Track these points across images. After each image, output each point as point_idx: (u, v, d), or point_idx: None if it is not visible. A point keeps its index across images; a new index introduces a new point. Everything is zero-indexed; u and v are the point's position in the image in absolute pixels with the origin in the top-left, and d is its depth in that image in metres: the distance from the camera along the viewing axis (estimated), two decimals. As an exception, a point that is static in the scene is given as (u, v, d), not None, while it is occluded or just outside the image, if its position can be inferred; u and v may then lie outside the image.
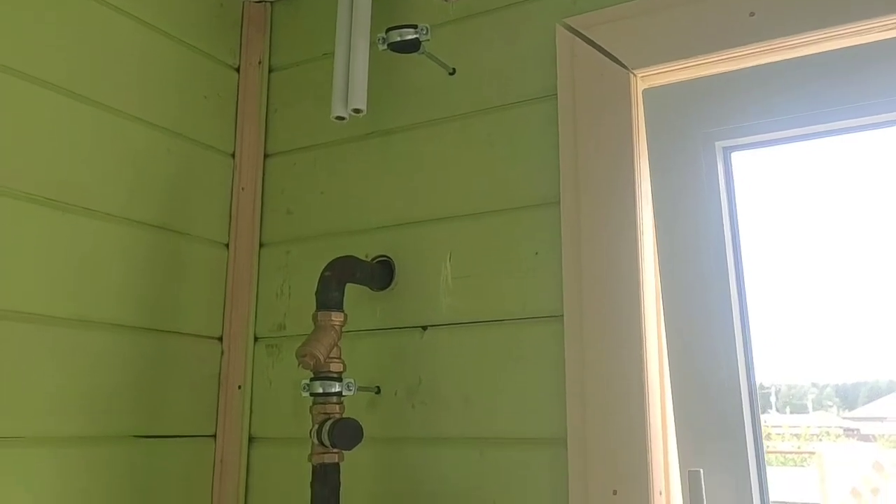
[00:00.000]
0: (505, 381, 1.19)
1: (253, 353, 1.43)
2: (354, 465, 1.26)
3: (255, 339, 1.43)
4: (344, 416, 1.15)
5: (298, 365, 1.16)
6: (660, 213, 1.14)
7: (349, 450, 1.13)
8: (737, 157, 1.14)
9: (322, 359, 1.15)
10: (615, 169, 1.16)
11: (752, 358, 1.07)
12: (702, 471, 0.99)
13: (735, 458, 1.03)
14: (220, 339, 1.42)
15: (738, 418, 1.03)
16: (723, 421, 1.04)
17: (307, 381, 1.17)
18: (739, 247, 1.12)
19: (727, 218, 1.11)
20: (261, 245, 1.47)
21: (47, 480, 1.12)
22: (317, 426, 1.15)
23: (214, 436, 1.39)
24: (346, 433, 1.11)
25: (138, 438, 1.26)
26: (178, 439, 1.33)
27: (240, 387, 1.41)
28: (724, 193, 1.12)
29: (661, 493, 1.08)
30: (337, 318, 1.19)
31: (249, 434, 1.40)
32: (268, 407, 1.40)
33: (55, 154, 1.18)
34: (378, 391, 1.29)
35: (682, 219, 1.13)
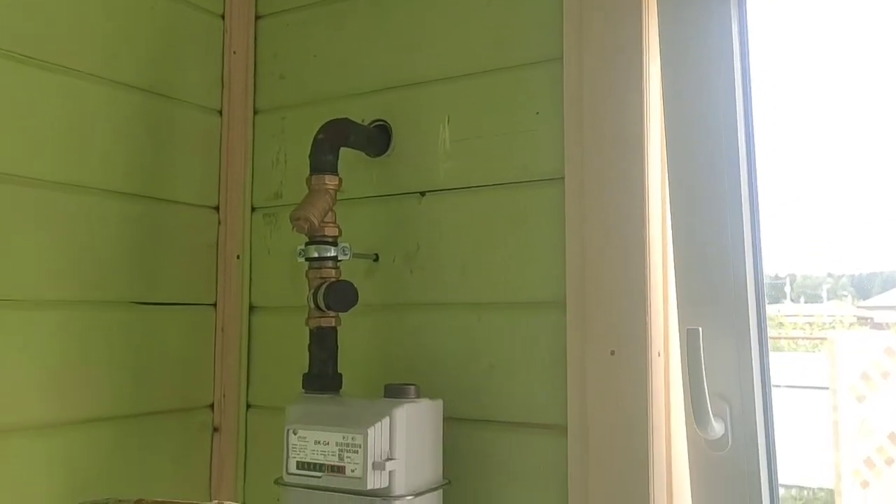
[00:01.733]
0: (504, 246, 1.17)
1: (250, 222, 1.40)
2: (353, 332, 1.26)
3: (252, 208, 1.41)
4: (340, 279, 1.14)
5: (293, 229, 1.13)
6: (667, 70, 1.08)
7: (344, 312, 1.12)
8: (752, 4, 1.06)
9: (316, 223, 1.13)
10: (621, 22, 1.09)
11: (757, 219, 1.04)
12: (700, 329, 0.97)
13: (735, 318, 1.01)
14: (217, 208, 1.40)
15: (740, 278, 1.01)
16: (724, 281, 1.02)
17: (302, 247, 1.16)
18: (751, 112, 1.06)
19: (739, 77, 1.05)
20: (255, 112, 1.42)
21: (46, 343, 1.12)
22: (313, 290, 1.14)
23: (215, 304, 1.39)
24: (340, 295, 1.10)
25: (137, 305, 1.26)
26: (177, 307, 1.33)
27: (238, 256, 1.39)
28: (738, 48, 1.06)
29: (659, 355, 1.07)
30: (331, 181, 1.16)
31: (250, 303, 1.40)
32: (267, 276, 1.39)
33: (28, 6, 1.12)
34: (376, 258, 1.27)
35: (691, 76, 1.07)
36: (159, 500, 0.64)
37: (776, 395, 1.03)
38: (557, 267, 1.11)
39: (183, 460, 1.32)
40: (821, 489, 2.60)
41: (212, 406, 1.38)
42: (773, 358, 1.03)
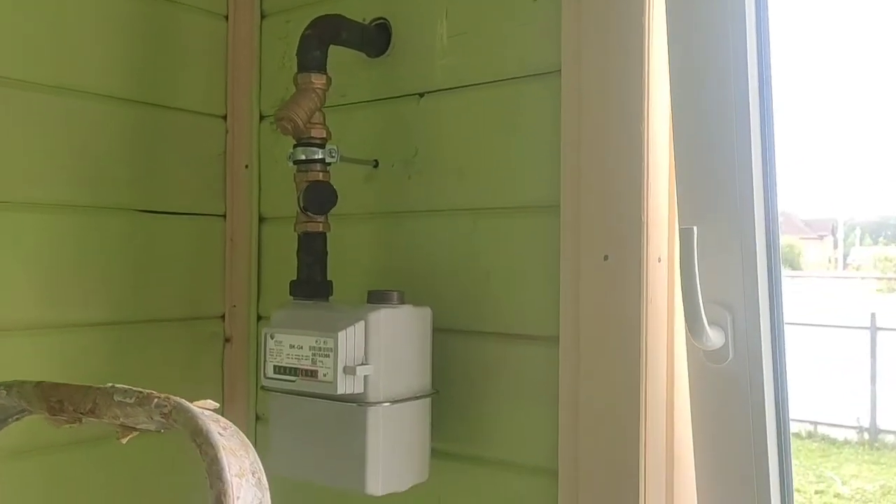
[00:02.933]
0: (501, 148, 1.09)
1: (258, 131, 1.37)
2: (352, 240, 1.22)
3: (261, 117, 1.37)
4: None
5: (276, 129, 1.09)
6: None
7: (321, 213, 1.08)
8: None
9: (301, 123, 1.08)
10: None
11: (769, 110, 0.92)
12: (696, 228, 0.87)
13: (739, 218, 0.90)
14: (224, 117, 1.37)
15: (745, 173, 0.90)
16: (728, 177, 0.91)
17: (291, 150, 1.11)
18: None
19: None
20: (262, 16, 1.38)
21: (38, 246, 1.13)
22: (300, 194, 1.10)
23: (224, 215, 1.37)
24: (315, 196, 1.06)
25: (140, 213, 1.26)
26: (185, 217, 1.32)
27: (247, 166, 1.37)
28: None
29: (660, 260, 0.97)
30: (318, 80, 1.10)
31: (259, 213, 1.37)
32: (276, 186, 1.36)
33: None
34: (376, 164, 1.22)
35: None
36: (60, 383, 0.62)
37: (889, 337, 0.93)
38: (554, 168, 1.03)
39: (193, 370, 1.33)
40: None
41: (223, 317, 1.37)
42: (889, 299, 0.92)
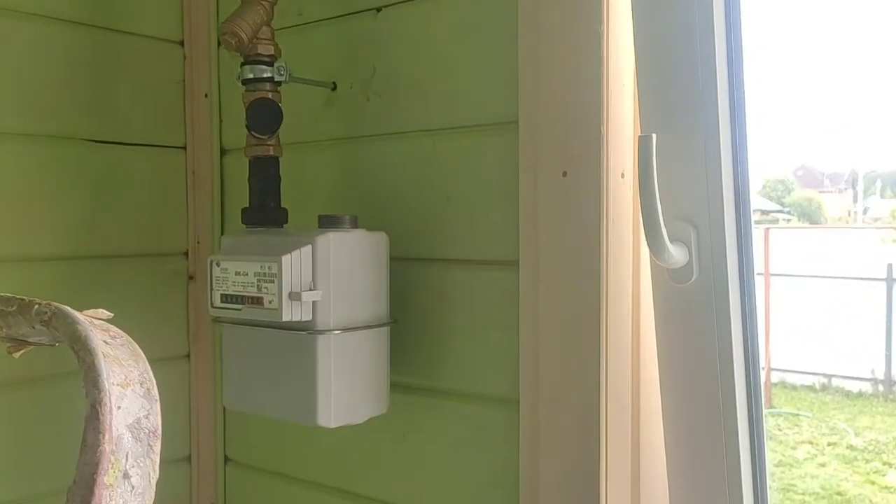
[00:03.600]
0: (459, 64, 1.03)
1: (217, 57, 1.31)
2: (311, 167, 1.17)
3: (219, 43, 1.31)
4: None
5: (220, 45, 1.03)
6: None
7: (267, 133, 1.03)
8: None
9: (246, 38, 1.02)
10: None
11: (735, 7, 0.85)
12: (654, 135, 0.81)
13: (703, 124, 0.84)
14: (181, 42, 1.31)
15: (709, 70, 0.83)
16: (690, 78, 0.84)
17: (239, 69, 1.05)
18: None
19: None
20: (216, -65, 1.31)
21: (-15, 176, 1.09)
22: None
23: (184, 147, 1.32)
24: (261, 114, 1.00)
25: (94, 143, 1.21)
26: (143, 148, 1.27)
27: (206, 95, 1.31)
28: None
29: (623, 176, 0.91)
30: (265, -7, 1.04)
31: (221, 145, 1.32)
32: (237, 116, 1.30)
33: None
34: (334, 87, 1.16)
35: None
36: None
37: None
38: (513, 83, 0.96)
39: (156, 308, 1.29)
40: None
41: (186, 254, 1.33)
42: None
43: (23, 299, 0.54)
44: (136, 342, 1.18)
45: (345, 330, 0.95)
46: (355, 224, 0.99)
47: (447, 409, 1.05)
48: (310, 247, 0.93)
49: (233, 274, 0.96)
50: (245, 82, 1.05)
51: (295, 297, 0.91)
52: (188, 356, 1.33)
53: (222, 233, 1.32)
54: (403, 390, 1.06)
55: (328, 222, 0.97)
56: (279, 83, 1.05)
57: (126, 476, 0.48)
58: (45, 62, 1.14)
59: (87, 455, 0.47)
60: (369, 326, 0.98)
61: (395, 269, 1.04)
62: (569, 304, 0.92)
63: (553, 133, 0.92)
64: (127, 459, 0.48)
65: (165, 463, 1.32)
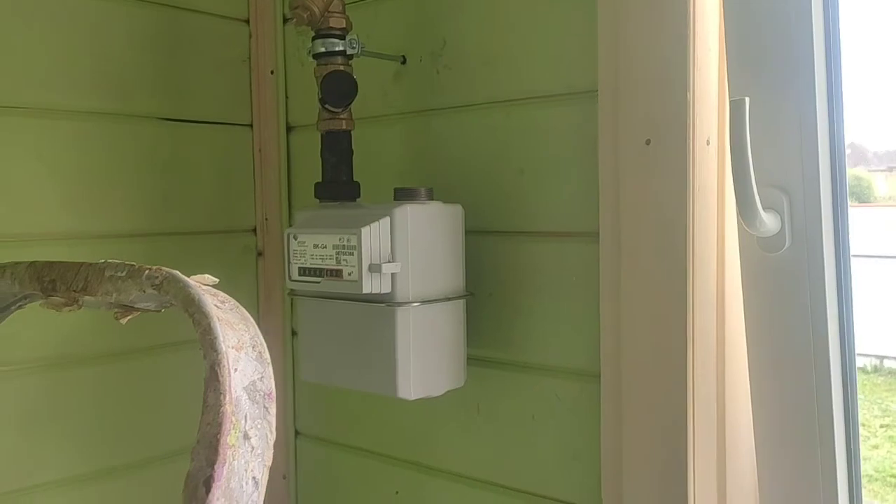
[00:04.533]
0: (532, 33, 1.01)
1: (283, 35, 1.31)
2: (381, 142, 1.17)
3: (285, 19, 1.31)
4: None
5: (293, 21, 1.03)
6: None
7: (342, 105, 1.02)
8: None
9: (318, 12, 1.01)
10: None
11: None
12: (747, 99, 0.79)
13: (798, 86, 0.81)
14: (247, 21, 1.31)
15: (805, 32, 0.80)
16: (784, 38, 0.81)
17: (310, 44, 1.05)
18: None
19: None
20: (282, -88, 1.30)
21: (63, 153, 1.10)
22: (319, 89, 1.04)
23: (251, 125, 1.33)
24: (335, 86, 0.99)
25: (166, 121, 1.22)
26: (211, 126, 1.28)
27: (272, 72, 1.31)
28: None
29: (708, 143, 0.89)
30: (336, -34, 1.03)
31: (287, 122, 1.32)
32: (303, 93, 1.30)
33: None
34: (403, 61, 1.15)
35: None
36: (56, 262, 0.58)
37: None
38: (590, 50, 0.94)
39: (228, 282, 1.29)
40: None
41: (254, 230, 1.34)
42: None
43: (133, 265, 0.54)
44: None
45: (423, 302, 0.95)
46: (431, 196, 0.98)
47: (524, 383, 1.04)
48: (388, 219, 0.93)
49: (311, 247, 0.96)
50: (316, 56, 1.04)
51: (375, 269, 0.91)
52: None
53: (290, 209, 1.33)
54: (479, 363, 1.06)
55: (404, 195, 0.97)
56: (351, 57, 1.05)
57: (246, 437, 0.48)
58: (115, 41, 1.15)
59: (209, 416, 0.47)
60: (447, 299, 0.98)
61: (469, 243, 1.03)
62: (653, 276, 0.90)
63: (635, 100, 0.90)
64: (246, 421, 0.48)
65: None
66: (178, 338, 1.19)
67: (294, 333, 1.34)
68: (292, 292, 1.02)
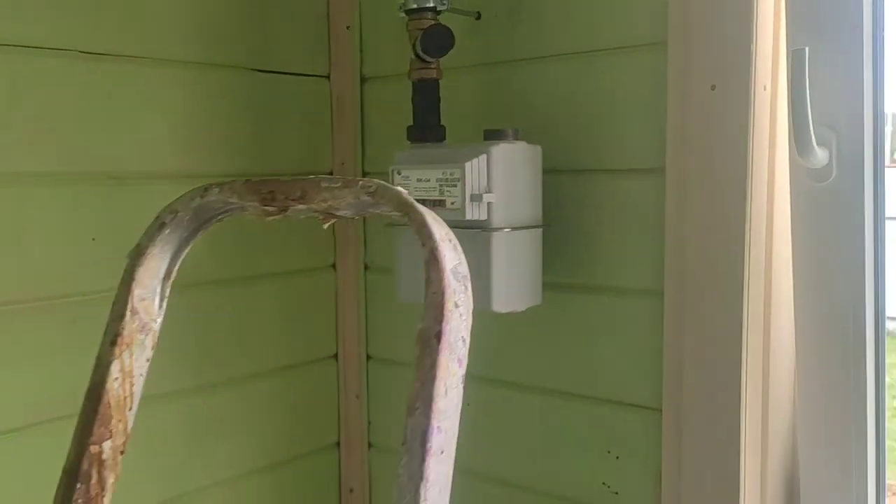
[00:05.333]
0: (606, -9, 1.14)
1: (358, -9, 1.42)
2: (458, 91, 1.28)
3: (359, -22, 1.42)
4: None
5: (391, -21, 1.15)
6: None
7: (440, 55, 1.14)
8: None
9: (413, -29, 1.13)
10: None
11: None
12: (807, 49, 0.93)
13: (848, 39, 0.95)
14: (325, -21, 1.43)
15: (855, -5, 0.94)
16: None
17: (402, 1, 1.17)
18: None
19: None
20: None
21: (172, 100, 1.22)
22: (413, 42, 1.16)
23: (328, 76, 1.45)
24: (435, 39, 1.12)
25: (255, 72, 1.34)
26: (293, 77, 1.39)
27: (348, 27, 1.43)
28: None
29: (765, 88, 1.03)
30: (428, -71, 1.15)
31: (361, 73, 1.44)
32: (376, 46, 1.42)
33: None
34: (478, 16, 1.27)
35: None
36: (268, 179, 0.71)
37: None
38: (661, 2, 1.08)
39: (307, 220, 1.43)
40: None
41: (331, 173, 1.47)
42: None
43: (344, 178, 0.68)
44: (288, 253, 1.32)
45: (512, 229, 1.09)
46: (517, 137, 1.11)
47: (595, 303, 1.19)
48: (485, 155, 1.06)
49: (414, 181, 1.09)
50: (408, 12, 1.17)
51: (476, 198, 1.04)
52: (334, 266, 1.48)
53: (363, 154, 1.45)
54: (553, 288, 1.20)
55: (493, 135, 1.10)
56: (440, 12, 1.17)
57: (456, 305, 0.62)
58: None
59: (433, 287, 0.61)
60: (530, 227, 1.12)
61: (543, 181, 1.16)
62: (713, 205, 1.04)
63: (702, 50, 1.04)
64: (455, 294, 0.62)
65: (316, 361, 1.47)
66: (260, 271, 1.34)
67: (367, 267, 1.48)
68: (390, 224, 1.15)
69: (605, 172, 1.16)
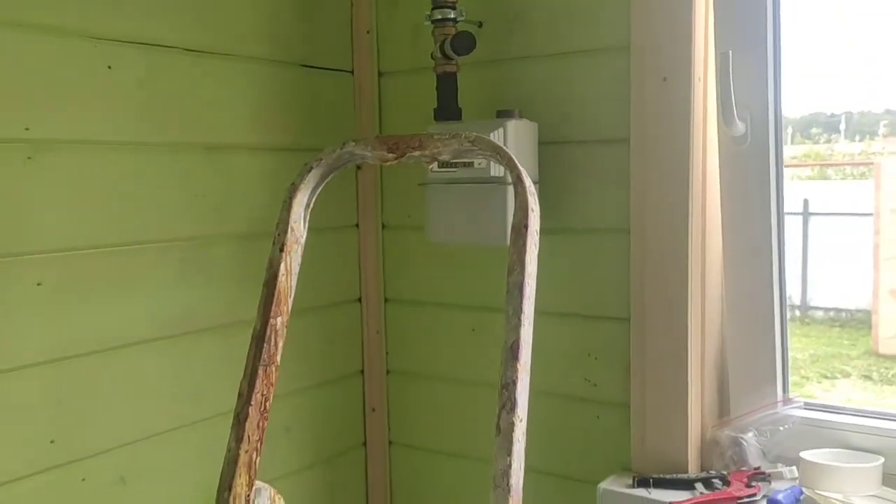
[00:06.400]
0: (583, 7, 1.53)
1: (376, 4, 1.77)
2: (469, 81, 1.65)
3: (377, -7, 1.77)
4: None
5: (423, -5, 1.51)
6: None
7: (466, 54, 1.51)
8: None
9: (440, -11, 1.50)
10: None
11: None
12: (731, 52, 1.34)
13: (757, 43, 1.37)
14: (350, -6, 1.77)
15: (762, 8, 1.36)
16: (754, 10, 1.37)
17: (429, 12, 1.53)
18: None
19: None
20: (375, -88, 1.76)
21: (250, 89, 1.54)
22: (439, 44, 1.53)
23: (352, 71, 1.79)
24: (463, 41, 1.48)
25: (301, 66, 1.67)
26: (327, 71, 1.73)
27: (368, 31, 1.77)
28: None
29: (700, 80, 1.44)
30: (449, -41, 1.51)
31: (378, 70, 1.79)
32: (392, 48, 1.77)
33: None
34: (480, 25, 1.64)
35: None
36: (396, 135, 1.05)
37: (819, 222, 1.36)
38: (624, 17, 1.47)
39: (337, 188, 1.77)
40: (858, 310, 2.78)
41: (355, 149, 1.81)
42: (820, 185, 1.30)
43: (450, 132, 1.03)
44: (319, 214, 1.66)
45: (521, 184, 1.46)
46: (521, 116, 1.49)
47: (577, 241, 1.57)
48: (502, 129, 1.43)
49: (447, 148, 1.45)
50: (435, 21, 1.53)
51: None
52: (357, 225, 1.82)
53: (380, 132, 1.80)
54: (545, 232, 1.57)
55: (504, 114, 1.48)
56: (458, 22, 1.54)
57: (532, 210, 0.98)
58: (284, 7, 1.59)
59: (520, 197, 0.97)
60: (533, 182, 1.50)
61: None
62: (665, 165, 1.44)
63: (656, 51, 1.43)
64: (532, 202, 0.98)
65: (343, 303, 1.82)
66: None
67: (384, 226, 1.83)
68: (422, 183, 1.51)
69: (584, 143, 1.55)
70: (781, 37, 1.38)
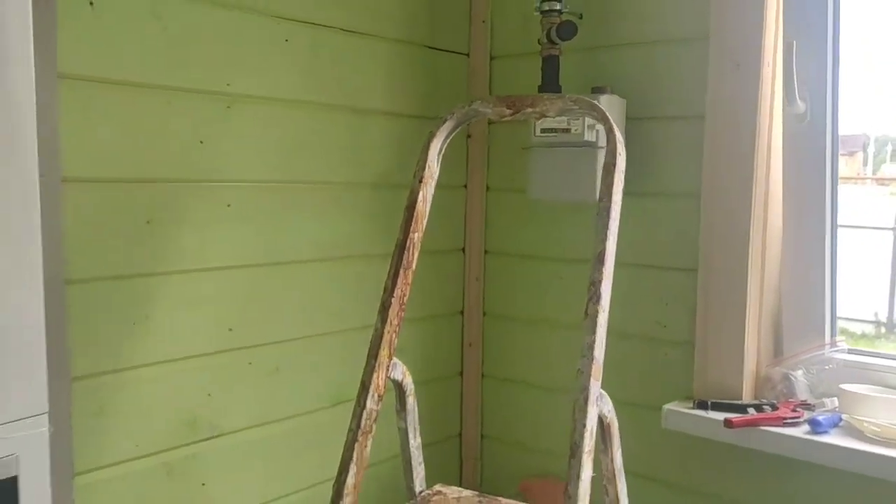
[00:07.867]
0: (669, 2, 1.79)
1: (491, -3, 2.08)
2: (566, 64, 1.94)
3: (493, -12, 2.08)
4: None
5: (534, -10, 1.81)
6: None
7: (569, 39, 1.80)
8: None
9: (550, -14, 1.79)
10: None
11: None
12: (794, 42, 1.59)
13: (819, 34, 1.62)
14: (470, -12, 2.08)
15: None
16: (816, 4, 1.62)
17: (538, 3, 1.83)
18: None
19: None
20: (495, -81, 2.07)
21: (386, 63, 1.87)
22: (545, 31, 1.82)
23: (467, 54, 2.10)
24: (569, 28, 1.78)
25: (426, 48, 1.99)
26: (448, 53, 2.04)
27: (484, 21, 2.08)
28: None
29: (768, 65, 1.69)
30: (558, -40, 1.81)
31: (490, 53, 2.10)
32: (505, 34, 2.08)
33: None
34: (581, 17, 1.92)
35: None
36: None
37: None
38: (705, 9, 1.73)
39: (451, 154, 2.08)
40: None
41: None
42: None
43: (560, 94, 1.32)
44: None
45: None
46: (612, 92, 1.77)
47: (654, 202, 1.84)
48: (597, 102, 1.71)
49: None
50: (543, 12, 1.82)
51: (591, 127, 1.70)
52: (465, 186, 2.13)
53: (489, 109, 2.10)
54: (628, 195, 1.85)
55: (598, 90, 1.76)
56: (562, 12, 1.83)
57: (619, 154, 1.26)
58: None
59: (610, 144, 1.26)
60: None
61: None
62: (735, 139, 1.70)
63: (731, 41, 1.69)
64: (619, 147, 1.27)
65: (449, 251, 2.15)
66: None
67: (488, 188, 2.13)
68: (525, 147, 1.81)
69: (664, 118, 1.82)
70: (841, 27, 1.62)
